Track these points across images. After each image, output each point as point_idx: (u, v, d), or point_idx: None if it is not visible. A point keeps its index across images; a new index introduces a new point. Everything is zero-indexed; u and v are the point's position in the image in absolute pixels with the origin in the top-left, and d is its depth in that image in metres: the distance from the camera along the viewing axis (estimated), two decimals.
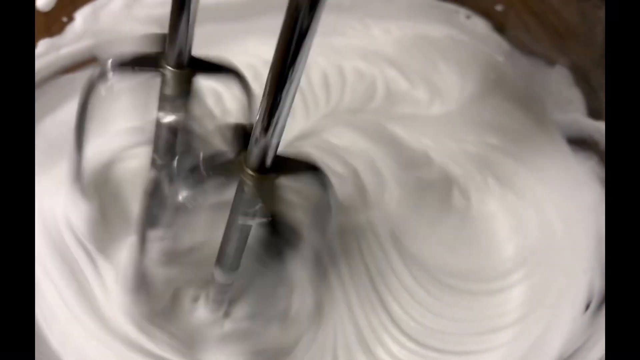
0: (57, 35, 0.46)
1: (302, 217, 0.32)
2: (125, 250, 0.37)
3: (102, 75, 0.33)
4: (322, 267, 0.39)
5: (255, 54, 0.52)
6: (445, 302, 0.40)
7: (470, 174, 0.46)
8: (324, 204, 0.31)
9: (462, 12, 0.52)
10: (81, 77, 0.45)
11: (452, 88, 0.50)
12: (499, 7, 0.52)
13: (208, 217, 0.31)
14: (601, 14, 0.47)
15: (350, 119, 0.47)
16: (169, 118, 0.35)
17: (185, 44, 0.31)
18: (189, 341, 0.36)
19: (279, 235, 0.28)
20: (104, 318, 0.36)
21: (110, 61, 0.33)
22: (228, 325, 0.37)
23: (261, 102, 0.25)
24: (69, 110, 0.44)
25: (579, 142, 0.46)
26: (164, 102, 0.34)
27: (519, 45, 0.50)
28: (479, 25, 0.52)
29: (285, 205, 0.28)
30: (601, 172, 0.44)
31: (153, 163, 0.39)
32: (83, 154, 0.37)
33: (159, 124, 0.36)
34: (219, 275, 0.34)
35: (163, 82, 0.33)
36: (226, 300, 0.36)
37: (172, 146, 0.37)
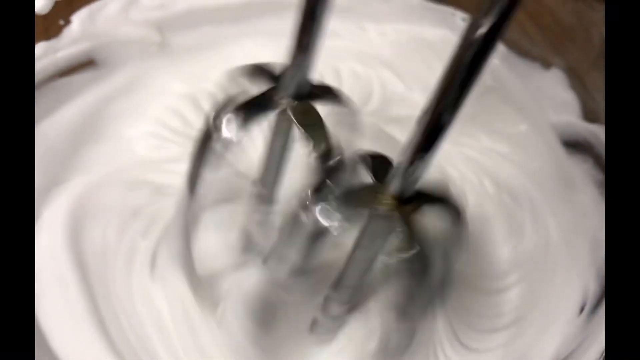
0: (54, 38, 0.45)
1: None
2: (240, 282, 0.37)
3: (218, 127, 0.30)
4: None
5: (252, 56, 0.51)
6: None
7: (466, 176, 0.46)
8: (454, 237, 0.30)
9: (458, 14, 0.52)
10: (78, 81, 0.46)
11: None
12: None
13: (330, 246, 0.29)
14: (597, 15, 0.47)
15: None
16: (287, 150, 0.34)
17: (307, 73, 0.30)
18: None
19: (419, 267, 0.27)
20: None
21: (226, 112, 0.30)
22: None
23: (415, 134, 0.24)
24: (66, 114, 0.45)
25: (574, 145, 0.46)
26: (280, 134, 0.33)
27: (515, 47, 0.50)
28: None
29: (425, 237, 0.27)
30: (596, 174, 0.44)
31: (258, 197, 0.38)
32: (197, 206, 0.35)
33: (272, 157, 0.35)
34: (335, 307, 0.34)
35: (282, 115, 0.31)
36: (337, 330, 0.36)
37: (280, 177, 0.36)
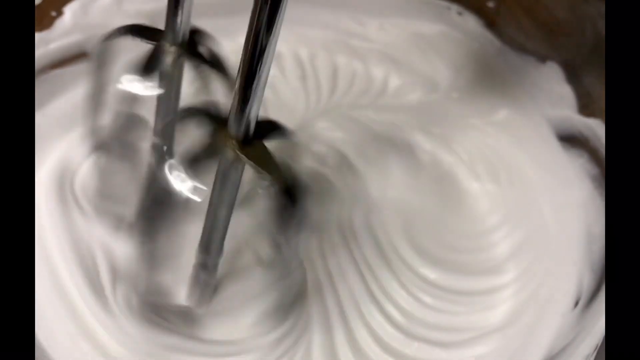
0: (46, 29, 0.45)
1: None
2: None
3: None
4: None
5: None
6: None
7: (462, 169, 0.46)
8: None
9: (454, 8, 0.52)
10: (70, 72, 0.46)
11: (445, 83, 0.50)
12: (490, 4, 0.52)
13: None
14: (591, 9, 0.47)
15: (345, 113, 0.48)
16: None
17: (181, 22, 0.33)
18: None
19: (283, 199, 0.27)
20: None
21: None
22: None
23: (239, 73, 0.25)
24: (59, 106, 0.44)
25: (570, 139, 0.46)
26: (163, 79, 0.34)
27: (511, 41, 0.50)
28: (471, 22, 0.52)
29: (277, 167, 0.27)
30: (592, 169, 0.44)
31: (154, 147, 0.38)
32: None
33: (160, 101, 0.35)
34: (202, 259, 0.34)
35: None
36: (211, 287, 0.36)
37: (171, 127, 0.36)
